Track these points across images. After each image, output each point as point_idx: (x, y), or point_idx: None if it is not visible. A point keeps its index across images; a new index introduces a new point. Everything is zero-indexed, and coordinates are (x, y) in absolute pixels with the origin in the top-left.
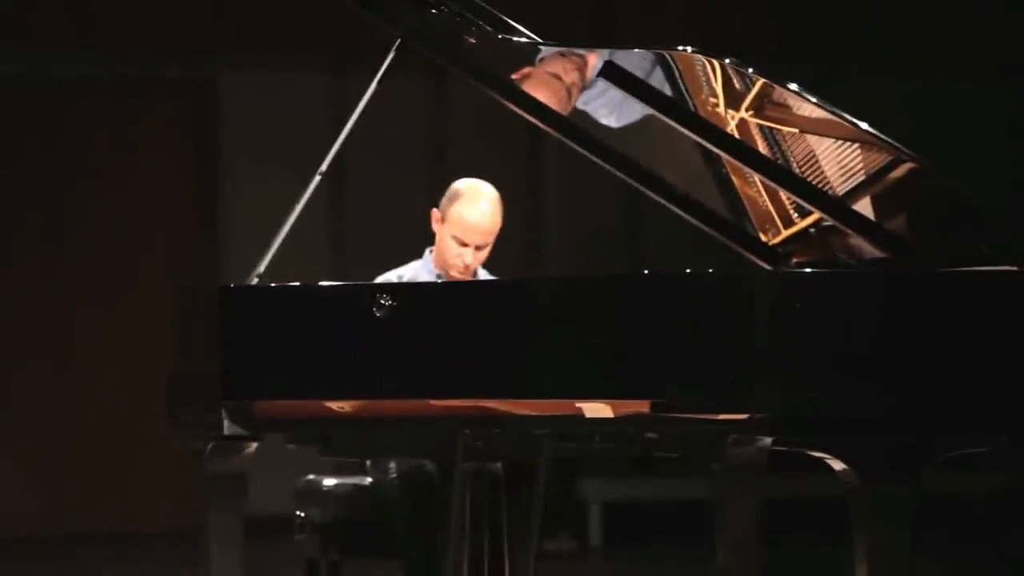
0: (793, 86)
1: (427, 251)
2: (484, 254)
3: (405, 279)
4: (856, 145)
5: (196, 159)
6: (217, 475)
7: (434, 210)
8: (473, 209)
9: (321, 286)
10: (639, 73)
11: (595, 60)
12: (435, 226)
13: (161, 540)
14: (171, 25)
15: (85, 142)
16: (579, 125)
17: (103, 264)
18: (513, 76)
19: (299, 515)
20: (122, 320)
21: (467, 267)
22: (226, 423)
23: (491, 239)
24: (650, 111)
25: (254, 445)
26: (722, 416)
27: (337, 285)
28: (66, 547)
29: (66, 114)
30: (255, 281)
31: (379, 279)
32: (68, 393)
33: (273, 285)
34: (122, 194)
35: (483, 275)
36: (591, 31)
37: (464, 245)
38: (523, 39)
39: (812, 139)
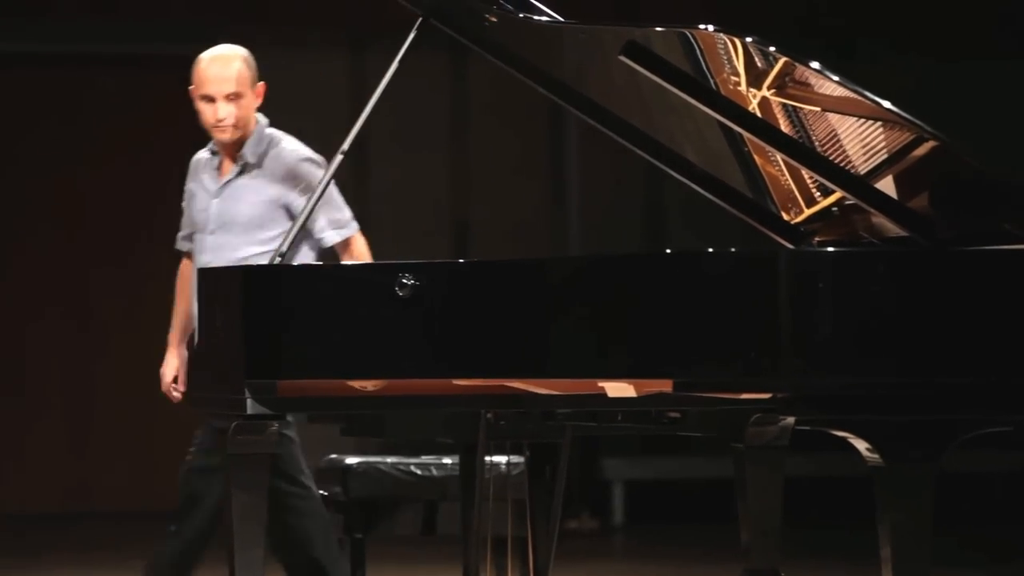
0: (815, 64)
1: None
2: (240, 108)
3: (199, 157)
4: (879, 123)
5: None
6: (240, 454)
7: (190, 87)
8: (209, 63)
9: (343, 265)
10: (660, 52)
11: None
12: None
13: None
14: (191, 2)
15: (105, 117)
16: (600, 104)
17: (126, 245)
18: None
19: (322, 494)
20: (145, 301)
21: (220, 121)
22: (249, 402)
23: (238, 88)
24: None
25: (277, 424)
26: (744, 395)
27: (359, 264)
28: (88, 523)
29: (85, 88)
30: (278, 260)
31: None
32: (91, 371)
33: (295, 264)
34: (141, 169)
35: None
36: (613, 9)
37: (211, 100)
38: (544, 18)
39: (834, 117)
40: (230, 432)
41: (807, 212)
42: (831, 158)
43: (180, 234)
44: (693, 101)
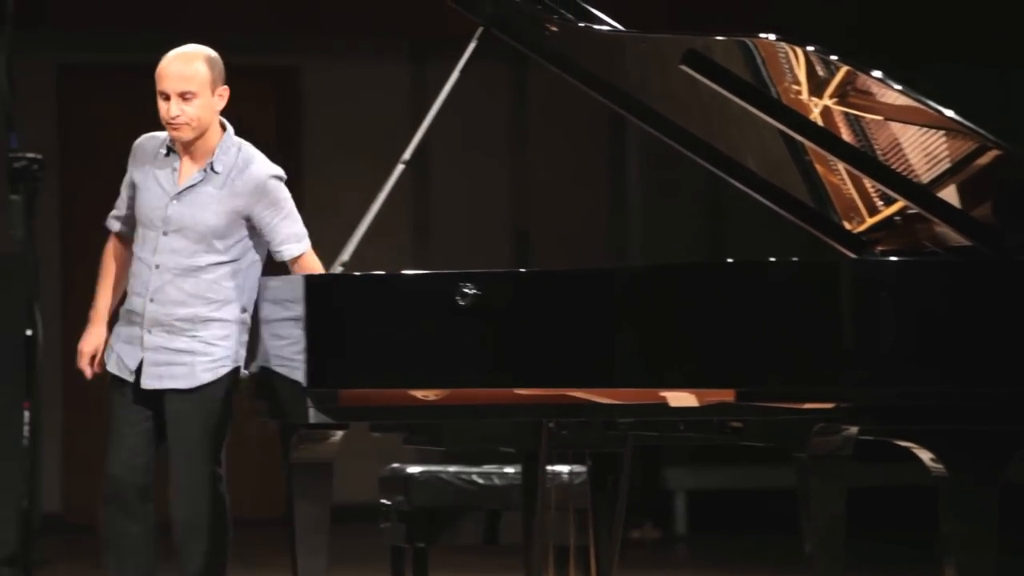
0: (877, 73)
1: None
2: (196, 108)
3: (148, 143)
4: (941, 132)
5: (280, 147)
6: (302, 463)
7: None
8: (171, 60)
9: (405, 275)
10: (721, 61)
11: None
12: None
13: (247, 527)
14: (255, 13)
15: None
16: (660, 112)
17: None
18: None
19: (384, 503)
20: None
21: (174, 119)
22: (311, 411)
23: (194, 88)
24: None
25: (339, 433)
26: (807, 405)
27: (421, 274)
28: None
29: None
30: (339, 270)
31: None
32: None
33: (358, 274)
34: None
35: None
36: (670, 19)
37: (166, 97)
38: (604, 27)
39: (896, 126)
40: (292, 441)
41: (869, 221)
42: (893, 167)
43: (114, 214)
44: (754, 110)
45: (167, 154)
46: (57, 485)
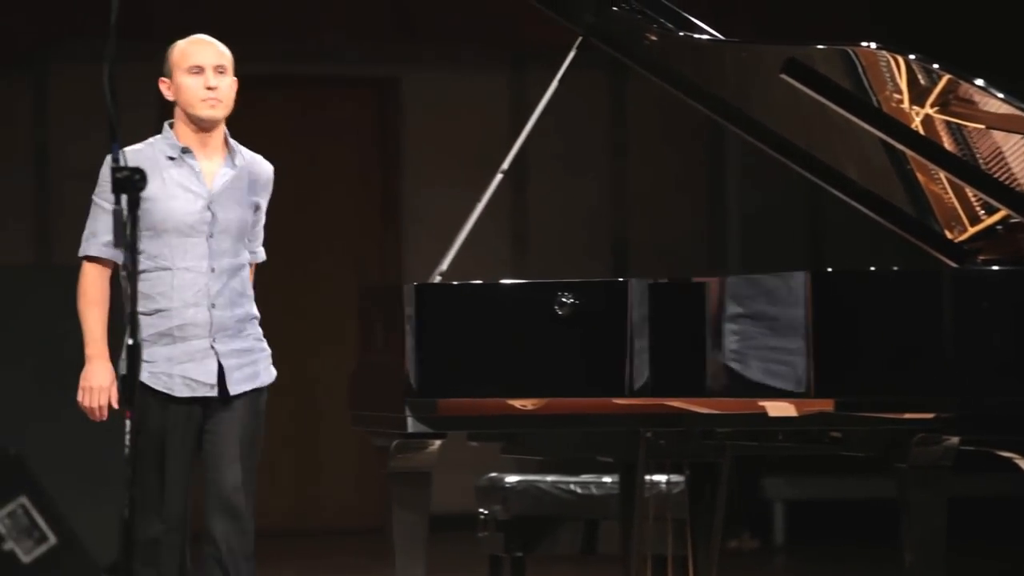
0: (979, 82)
1: (165, 125)
2: (229, 82)
3: (142, 155)
4: None
5: (381, 157)
6: (401, 472)
7: (161, 80)
8: (191, 41)
9: (504, 284)
10: (822, 70)
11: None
12: (168, 93)
13: (346, 536)
14: (355, 24)
15: (272, 139)
16: (760, 121)
17: (290, 259)
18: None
19: (482, 512)
20: (307, 314)
21: (213, 90)
22: (410, 421)
23: (224, 61)
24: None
25: (437, 442)
26: (907, 415)
27: (519, 283)
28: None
29: (254, 111)
30: (438, 279)
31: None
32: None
33: (457, 283)
34: (308, 191)
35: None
36: (771, 29)
37: (200, 71)
38: (704, 35)
39: (999, 135)
40: (391, 450)
41: (971, 230)
42: (996, 176)
43: (101, 240)
44: (855, 119)
45: (174, 158)
46: None
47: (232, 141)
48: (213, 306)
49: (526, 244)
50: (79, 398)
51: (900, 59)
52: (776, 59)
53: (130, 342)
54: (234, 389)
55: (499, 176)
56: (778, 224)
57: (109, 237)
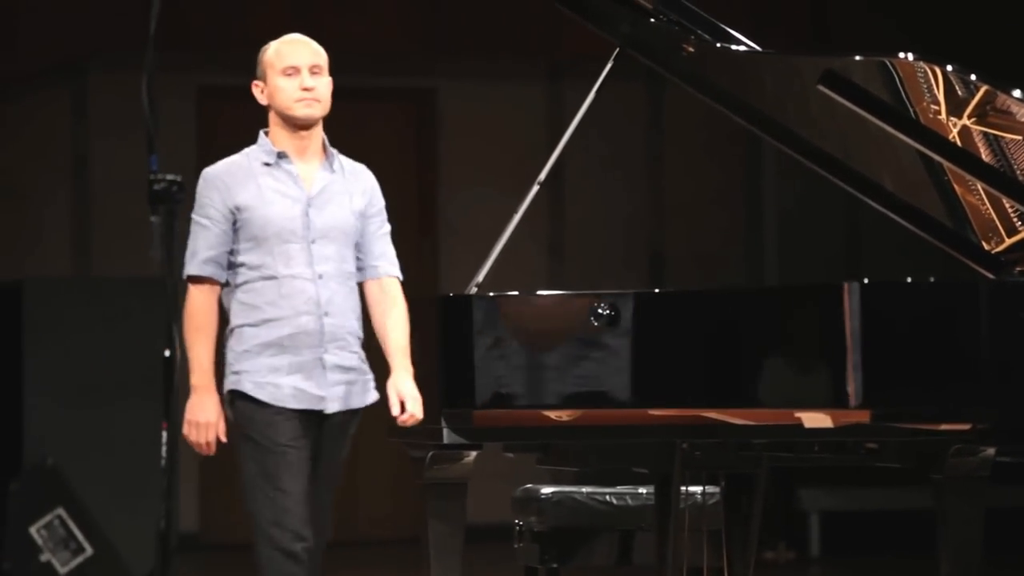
0: (1017, 93)
1: (260, 133)
2: (325, 82)
3: (235, 165)
4: None
5: (418, 168)
6: (436, 484)
7: (254, 83)
8: (285, 41)
9: (540, 295)
10: (859, 81)
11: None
12: (262, 97)
13: (381, 546)
14: (392, 35)
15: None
16: (797, 132)
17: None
18: None
19: (518, 524)
20: None
21: (309, 91)
22: (446, 432)
23: (320, 60)
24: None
25: (473, 454)
26: (944, 426)
27: (556, 294)
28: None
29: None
30: (474, 290)
31: (207, 172)
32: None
33: (493, 294)
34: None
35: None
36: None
37: (295, 72)
38: (740, 46)
39: None
40: (426, 461)
41: (1008, 241)
42: None
43: (201, 257)
44: (892, 130)
45: (269, 164)
46: (194, 504)
47: (331, 148)
48: (326, 314)
49: (563, 255)
50: (184, 431)
51: (937, 70)
52: (814, 70)
53: (167, 354)
54: (331, 407)
55: (536, 187)
56: (815, 233)
57: (210, 254)
